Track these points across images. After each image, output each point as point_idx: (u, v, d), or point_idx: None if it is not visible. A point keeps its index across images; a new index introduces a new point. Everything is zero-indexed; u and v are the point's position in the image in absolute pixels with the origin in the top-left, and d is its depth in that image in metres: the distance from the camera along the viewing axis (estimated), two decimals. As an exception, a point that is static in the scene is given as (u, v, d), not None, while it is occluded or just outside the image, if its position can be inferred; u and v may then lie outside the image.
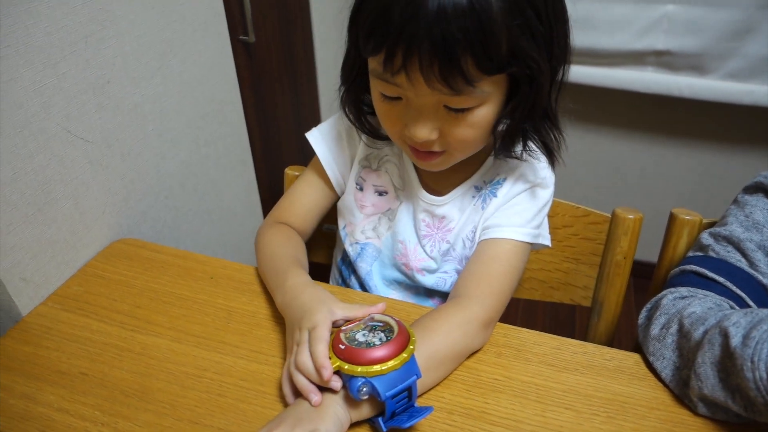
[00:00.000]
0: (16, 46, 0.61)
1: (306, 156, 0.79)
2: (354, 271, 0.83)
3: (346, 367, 0.49)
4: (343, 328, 0.53)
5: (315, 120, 1.51)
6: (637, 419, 0.55)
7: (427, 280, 0.77)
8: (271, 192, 1.29)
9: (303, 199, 0.79)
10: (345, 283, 0.84)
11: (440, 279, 0.77)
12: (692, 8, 1.39)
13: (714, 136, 1.65)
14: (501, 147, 0.65)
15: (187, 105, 0.92)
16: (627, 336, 1.66)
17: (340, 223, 0.82)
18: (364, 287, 0.81)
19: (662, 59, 1.50)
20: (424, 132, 0.58)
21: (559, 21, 0.56)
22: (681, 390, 0.57)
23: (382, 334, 0.52)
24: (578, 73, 1.53)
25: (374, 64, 0.57)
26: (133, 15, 0.77)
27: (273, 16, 1.17)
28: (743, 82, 1.45)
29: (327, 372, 0.50)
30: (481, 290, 0.64)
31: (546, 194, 0.71)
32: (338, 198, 0.81)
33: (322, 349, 0.51)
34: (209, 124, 0.99)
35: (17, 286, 0.67)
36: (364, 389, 0.49)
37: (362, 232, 0.79)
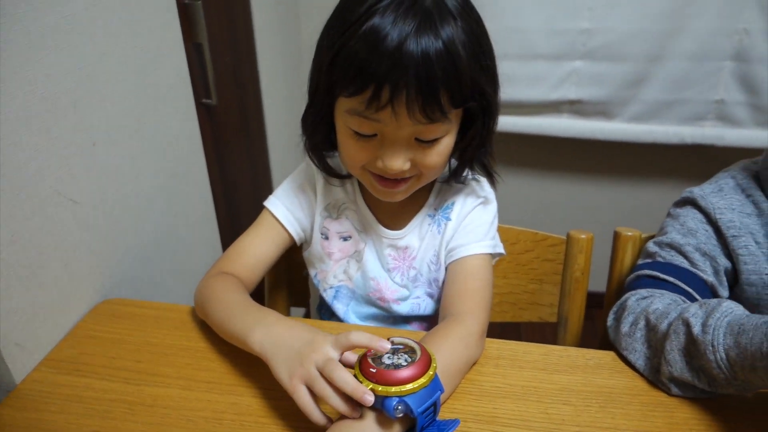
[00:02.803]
0: (16, 112, 0.63)
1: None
2: (332, 314, 0.87)
3: (380, 388, 0.52)
4: (367, 353, 0.57)
5: (266, 177, 1.55)
6: (624, 405, 0.63)
7: (403, 308, 0.83)
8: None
9: (254, 251, 0.79)
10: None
11: (414, 304, 0.83)
12: (596, 63, 1.61)
13: (624, 171, 1.87)
14: (455, 172, 0.75)
15: (161, 166, 0.95)
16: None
17: (311, 272, 0.87)
18: None
19: (575, 107, 1.71)
20: (399, 163, 0.65)
21: (495, 63, 0.67)
22: (654, 376, 0.65)
23: (406, 356, 0.56)
24: (505, 122, 1.71)
25: (353, 103, 0.62)
26: (114, 81, 0.80)
27: (230, 80, 1.23)
28: (644, 123, 1.68)
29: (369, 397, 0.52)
30: (468, 306, 0.71)
31: (493, 208, 0.81)
32: (285, 251, 0.83)
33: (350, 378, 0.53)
34: (179, 184, 1.02)
35: (12, 352, 0.65)
36: (400, 407, 0.52)
37: (334, 277, 0.84)
